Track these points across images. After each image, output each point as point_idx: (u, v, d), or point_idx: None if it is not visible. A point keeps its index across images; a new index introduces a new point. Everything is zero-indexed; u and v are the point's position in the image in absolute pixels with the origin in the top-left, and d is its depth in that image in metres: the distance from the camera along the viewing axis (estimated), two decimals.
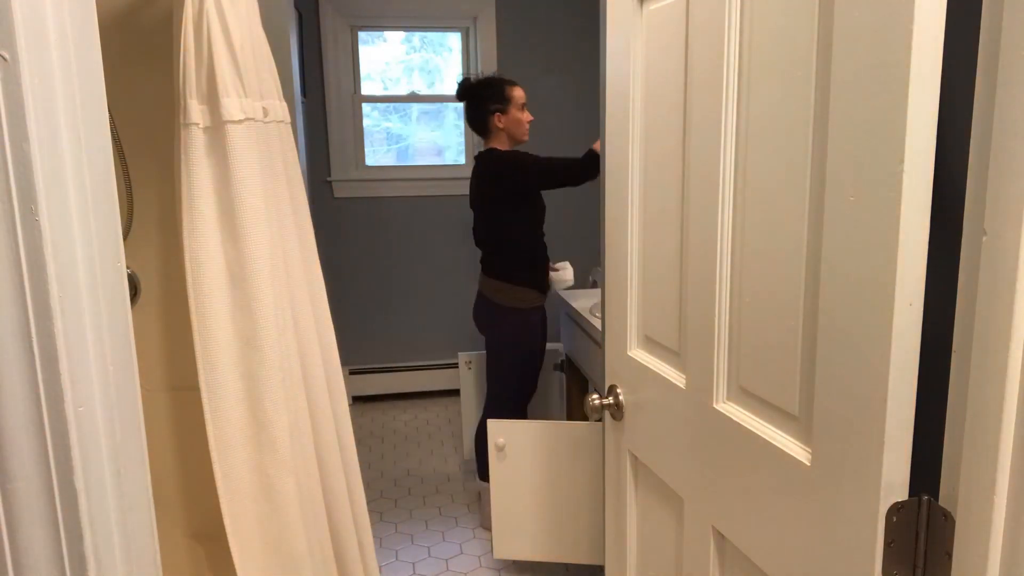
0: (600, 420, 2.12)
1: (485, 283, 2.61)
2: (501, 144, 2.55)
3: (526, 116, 2.54)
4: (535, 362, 2.62)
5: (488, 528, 2.71)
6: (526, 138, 2.56)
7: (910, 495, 0.73)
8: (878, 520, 0.73)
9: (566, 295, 2.95)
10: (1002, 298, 0.60)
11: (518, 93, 2.53)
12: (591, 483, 2.19)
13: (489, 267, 2.59)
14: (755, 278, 0.93)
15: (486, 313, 2.61)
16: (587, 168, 2.38)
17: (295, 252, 1.54)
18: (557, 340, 4.05)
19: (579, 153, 4.04)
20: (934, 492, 0.71)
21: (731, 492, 1.00)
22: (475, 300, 2.70)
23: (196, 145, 1.37)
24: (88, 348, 0.79)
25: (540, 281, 2.58)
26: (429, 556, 2.58)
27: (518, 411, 2.65)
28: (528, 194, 2.49)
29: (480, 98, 2.52)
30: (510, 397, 2.63)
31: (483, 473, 2.72)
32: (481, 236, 2.60)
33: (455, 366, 4.08)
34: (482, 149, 2.58)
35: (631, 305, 1.30)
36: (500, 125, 2.52)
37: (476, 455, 2.77)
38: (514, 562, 2.50)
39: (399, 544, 2.65)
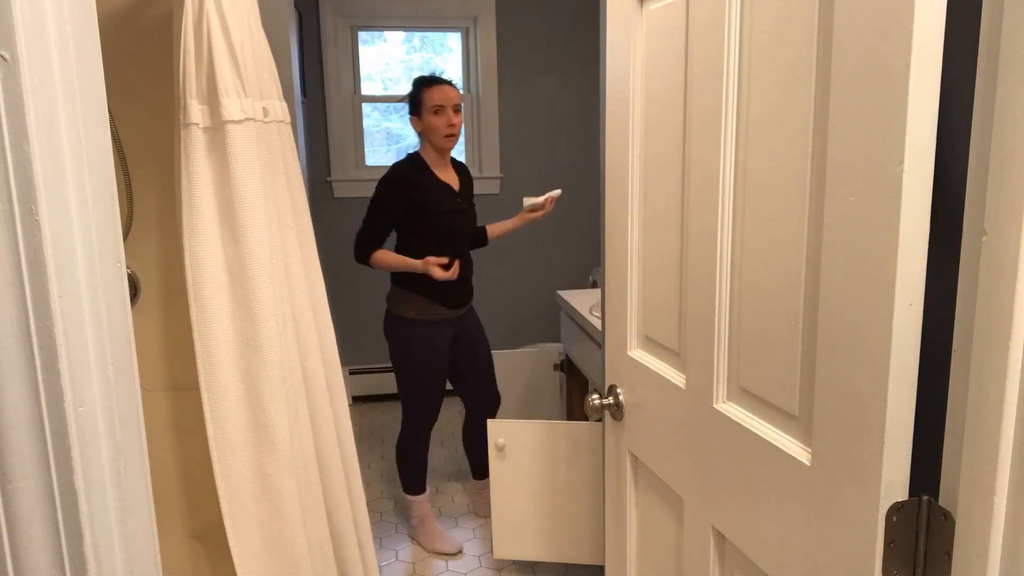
0: (600, 420, 2.12)
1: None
2: (425, 151, 2.46)
3: (442, 120, 2.36)
4: (427, 382, 2.48)
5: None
6: (444, 144, 2.40)
7: (910, 495, 0.73)
8: (878, 520, 0.73)
9: (565, 295, 2.95)
10: (1002, 298, 0.60)
11: (434, 95, 2.36)
12: (591, 483, 2.19)
13: None
14: (755, 278, 0.93)
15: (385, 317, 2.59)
16: (356, 251, 2.43)
17: (295, 252, 1.54)
18: (557, 340, 4.05)
19: (578, 154, 4.04)
20: (934, 492, 0.71)
21: (731, 492, 1.00)
22: None
23: (196, 145, 1.37)
24: (88, 348, 0.79)
25: (432, 292, 2.45)
26: (429, 556, 2.58)
27: (415, 436, 2.53)
28: (385, 213, 2.40)
29: (409, 100, 2.45)
30: (406, 418, 2.53)
31: (406, 486, 2.62)
32: None
33: None
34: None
35: (631, 305, 1.30)
36: (417, 129, 2.44)
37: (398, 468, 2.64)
38: (514, 562, 2.50)
39: (399, 544, 2.65)
